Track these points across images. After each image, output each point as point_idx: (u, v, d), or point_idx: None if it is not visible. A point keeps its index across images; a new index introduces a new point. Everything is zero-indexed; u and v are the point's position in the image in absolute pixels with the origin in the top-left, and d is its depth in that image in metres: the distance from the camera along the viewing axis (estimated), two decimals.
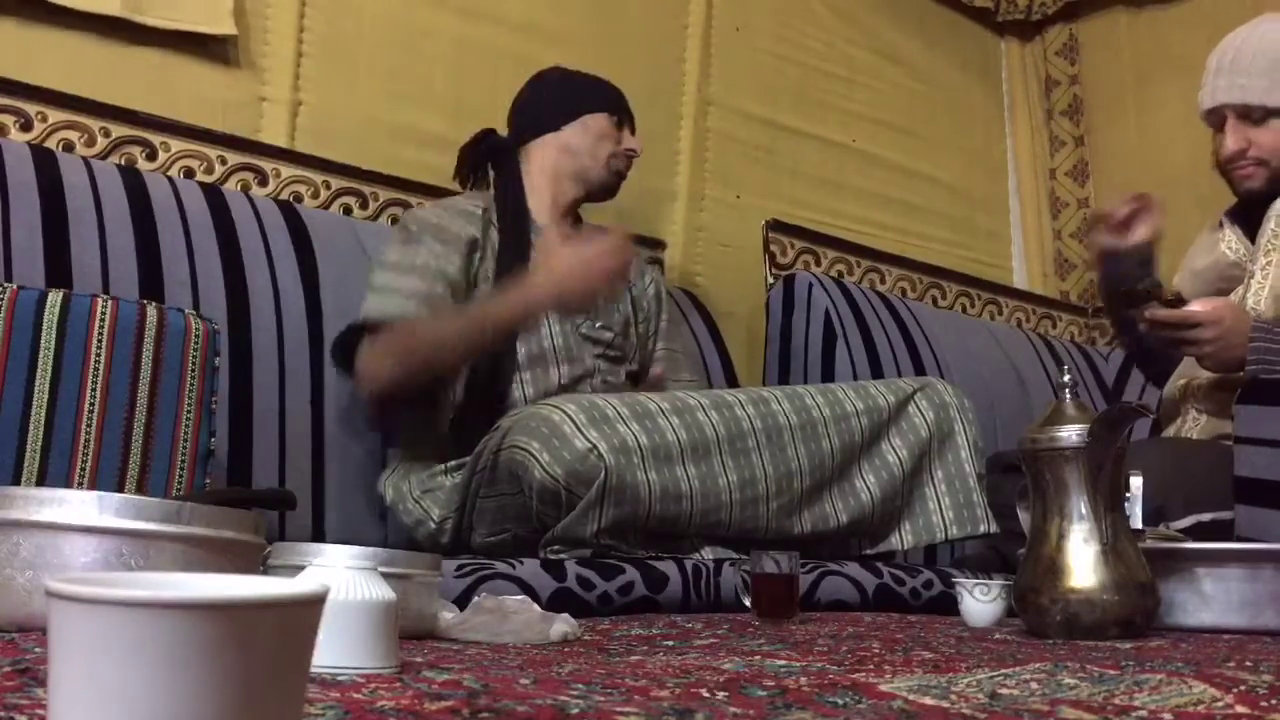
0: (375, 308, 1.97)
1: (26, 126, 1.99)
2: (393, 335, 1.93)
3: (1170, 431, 2.30)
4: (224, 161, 2.19)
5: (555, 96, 2.23)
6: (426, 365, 1.94)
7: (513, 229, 2.11)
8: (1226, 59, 2.22)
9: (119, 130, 2.08)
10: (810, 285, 2.76)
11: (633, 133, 2.26)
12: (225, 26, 2.19)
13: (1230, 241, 2.28)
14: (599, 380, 2.11)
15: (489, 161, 2.24)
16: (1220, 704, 0.78)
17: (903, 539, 2.01)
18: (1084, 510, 1.39)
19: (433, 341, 1.93)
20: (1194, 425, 2.23)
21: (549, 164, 2.20)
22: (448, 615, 1.19)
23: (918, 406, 2.02)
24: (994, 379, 2.95)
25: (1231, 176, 2.26)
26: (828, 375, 2.67)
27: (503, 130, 2.26)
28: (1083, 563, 1.37)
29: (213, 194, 2.08)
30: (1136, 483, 1.59)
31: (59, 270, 1.82)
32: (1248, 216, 2.27)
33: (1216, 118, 2.25)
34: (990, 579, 1.59)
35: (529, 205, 2.17)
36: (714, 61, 2.97)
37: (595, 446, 1.68)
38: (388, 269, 2.02)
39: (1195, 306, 2.08)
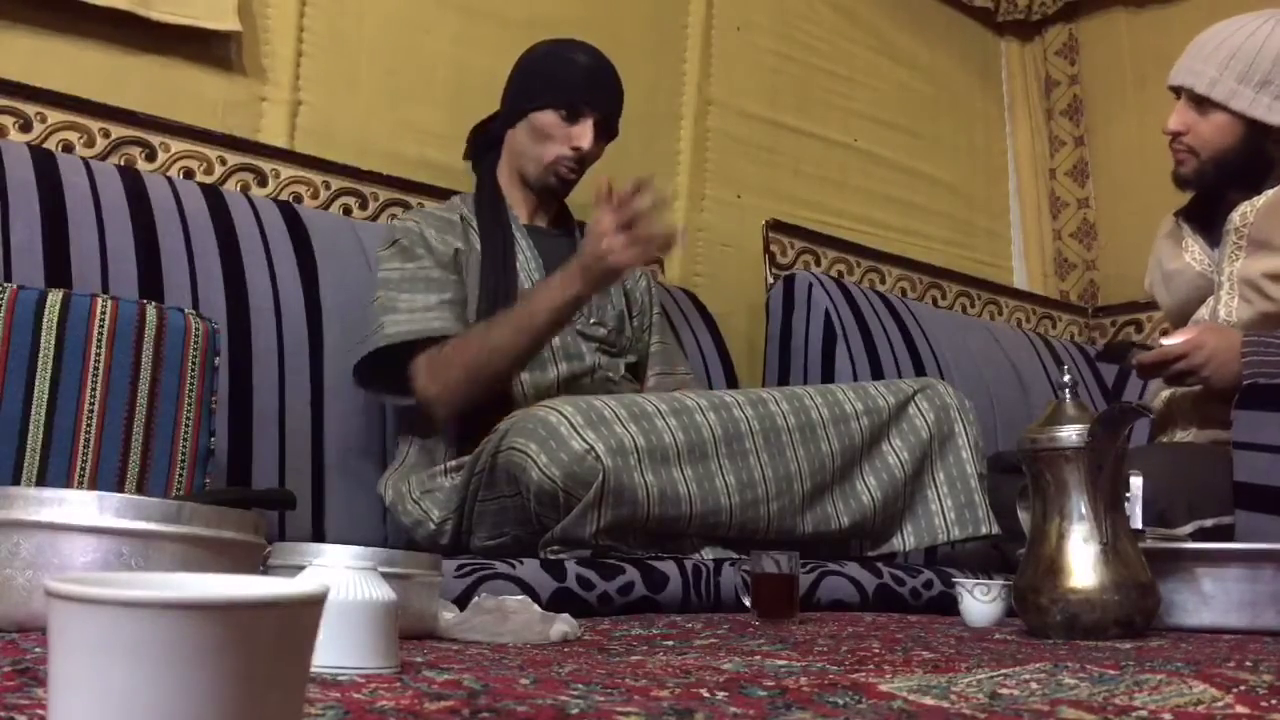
0: (404, 327, 1.95)
1: (26, 127, 1.99)
2: (451, 352, 1.93)
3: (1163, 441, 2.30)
4: (224, 162, 2.19)
5: (518, 86, 2.18)
6: (494, 373, 1.93)
7: (491, 231, 2.11)
8: (1200, 40, 2.23)
9: (118, 131, 2.07)
10: (810, 285, 2.76)
11: (600, 123, 2.11)
12: (230, 22, 2.19)
13: (1193, 251, 2.28)
14: (600, 375, 2.10)
15: (487, 148, 2.23)
16: (1220, 704, 0.78)
17: (904, 540, 2.01)
18: (1084, 510, 1.39)
19: (492, 348, 1.92)
20: (1184, 438, 2.23)
21: (510, 162, 2.20)
22: (448, 615, 1.19)
23: (918, 407, 2.02)
24: (994, 379, 2.95)
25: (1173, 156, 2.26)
26: (828, 375, 2.67)
27: None
28: (1083, 563, 1.37)
29: (212, 194, 2.08)
30: (1137, 483, 1.59)
31: (59, 270, 1.82)
32: (1204, 223, 2.26)
33: (1176, 93, 2.25)
34: (990, 579, 1.59)
35: (508, 201, 2.17)
36: (714, 61, 2.97)
37: (593, 448, 1.68)
38: (395, 287, 2.00)
39: (1173, 340, 2.09)
